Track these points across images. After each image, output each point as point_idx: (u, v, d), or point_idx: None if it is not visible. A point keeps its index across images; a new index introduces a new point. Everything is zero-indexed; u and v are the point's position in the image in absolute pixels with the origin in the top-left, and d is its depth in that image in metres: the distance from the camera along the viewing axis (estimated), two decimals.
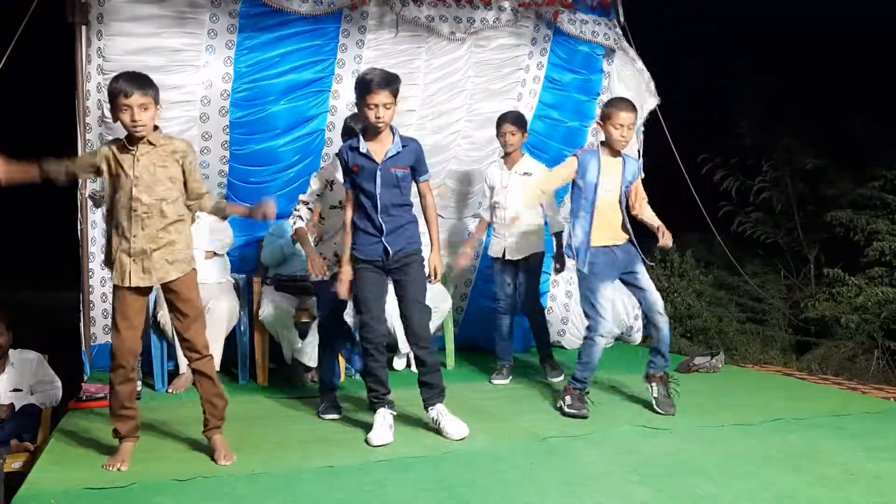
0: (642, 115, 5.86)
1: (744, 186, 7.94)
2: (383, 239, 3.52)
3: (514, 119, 4.76)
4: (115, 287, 3.18)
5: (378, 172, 3.48)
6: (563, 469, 3.17)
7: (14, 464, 3.61)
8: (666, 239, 3.94)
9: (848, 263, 6.74)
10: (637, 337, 6.16)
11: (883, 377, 5.87)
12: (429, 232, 3.69)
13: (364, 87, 3.43)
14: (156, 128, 3.17)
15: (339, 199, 3.97)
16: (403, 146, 3.55)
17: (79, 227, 4.93)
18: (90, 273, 4.96)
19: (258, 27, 4.85)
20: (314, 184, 4.09)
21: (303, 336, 4.80)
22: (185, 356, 3.34)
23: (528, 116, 5.56)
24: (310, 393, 4.50)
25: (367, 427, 3.72)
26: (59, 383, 4.24)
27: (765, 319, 7.20)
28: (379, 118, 3.45)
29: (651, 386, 4.04)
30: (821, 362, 6.24)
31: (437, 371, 3.65)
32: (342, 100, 5.11)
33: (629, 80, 5.82)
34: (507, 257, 4.77)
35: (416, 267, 3.60)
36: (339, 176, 3.93)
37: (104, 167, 3.14)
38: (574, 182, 3.98)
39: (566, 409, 3.95)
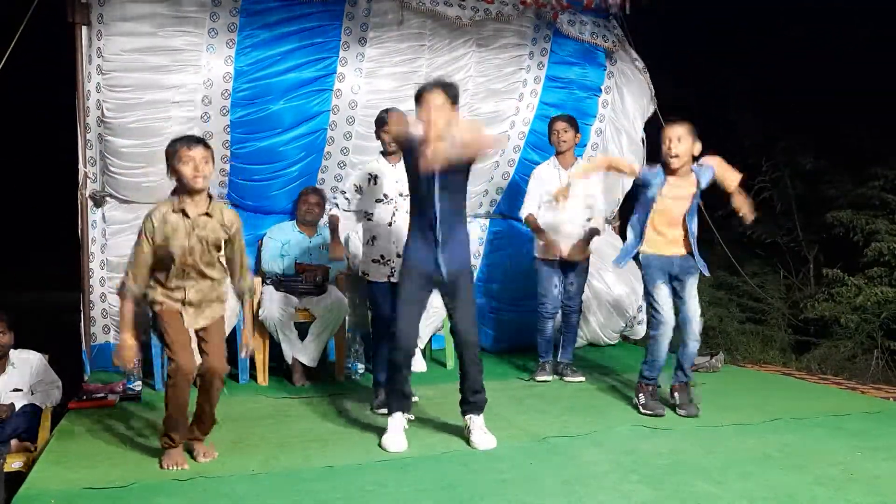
0: (642, 121, 5.90)
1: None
2: (438, 252, 3.43)
3: (566, 117, 4.85)
4: (162, 308, 3.22)
5: (437, 177, 3.36)
6: (563, 469, 3.17)
7: (14, 464, 3.61)
8: (744, 208, 3.97)
9: (847, 263, 6.74)
10: (639, 329, 6.14)
11: (882, 377, 5.88)
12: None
13: (418, 91, 3.39)
14: (210, 197, 3.27)
15: (383, 192, 4.01)
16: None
17: (79, 227, 4.94)
18: (90, 273, 4.97)
19: (259, 25, 4.85)
20: (354, 178, 4.09)
21: (303, 336, 4.80)
22: (200, 373, 3.32)
23: (530, 116, 5.59)
24: (310, 393, 4.50)
25: (367, 427, 3.73)
26: (59, 383, 4.24)
27: (764, 319, 7.20)
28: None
29: (673, 395, 4.10)
30: (820, 362, 6.24)
31: (483, 388, 3.58)
32: (344, 98, 5.11)
33: (631, 80, 5.83)
34: (565, 260, 4.79)
35: (470, 286, 3.56)
36: (383, 169, 3.99)
37: (154, 238, 3.17)
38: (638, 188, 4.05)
39: (641, 410, 4.02)
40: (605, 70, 5.74)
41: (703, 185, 3.97)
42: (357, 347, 5.02)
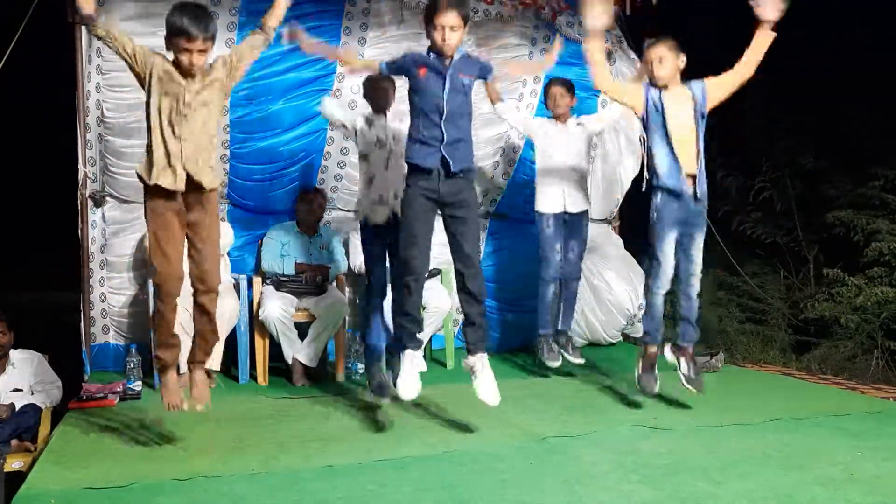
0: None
1: (744, 186, 7.94)
2: (442, 148, 3.42)
3: (562, 81, 4.83)
4: (153, 206, 3.10)
5: (447, 76, 3.41)
6: (563, 469, 3.17)
7: (14, 464, 3.61)
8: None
9: (848, 263, 6.74)
10: (640, 327, 6.12)
11: (882, 377, 5.88)
12: None
13: (432, 6, 3.38)
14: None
15: (378, 136, 3.98)
16: (467, 56, 3.54)
17: (79, 227, 4.93)
18: (90, 273, 4.96)
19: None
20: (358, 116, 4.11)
21: (303, 336, 4.80)
22: (193, 287, 3.25)
23: (530, 116, 5.57)
24: (310, 393, 4.50)
25: (367, 427, 3.73)
26: (59, 383, 4.24)
27: (764, 319, 7.20)
28: (445, 41, 3.36)
29: (680, 361, 4.00)
30: (820, 362, 6.24)
31: (485, 316, 3.59)
32: (344, 98, 5.10)
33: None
34: (568, 210, 4.73)
35: (474, 206, 3.59)
36: (373, 119, 3.99)
37: (152, 73, 3.07)
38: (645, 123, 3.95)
39: (637, 386, 4.05)
40: None
41: (700, 98, 3.89)
42: (357, 347, 5.02)
